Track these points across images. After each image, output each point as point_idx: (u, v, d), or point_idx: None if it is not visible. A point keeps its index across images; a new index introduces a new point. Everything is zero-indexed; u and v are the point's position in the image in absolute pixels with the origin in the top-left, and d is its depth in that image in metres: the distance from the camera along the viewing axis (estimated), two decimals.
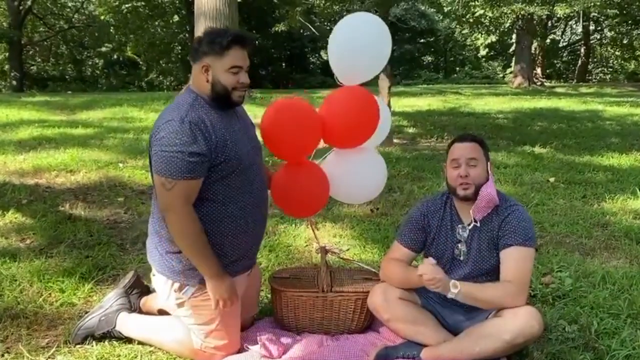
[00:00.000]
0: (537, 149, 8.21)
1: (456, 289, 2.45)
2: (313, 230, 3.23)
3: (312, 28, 18.95)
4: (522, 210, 2.66)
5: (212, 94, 2.47)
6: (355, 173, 3.06)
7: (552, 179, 6.21)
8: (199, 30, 10.59)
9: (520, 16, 21.53)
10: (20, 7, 27.11)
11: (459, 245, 2.71)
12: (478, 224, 2.66)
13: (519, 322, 2.38)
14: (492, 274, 2.63)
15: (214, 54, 2.44)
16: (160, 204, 2.42)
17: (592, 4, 18.78)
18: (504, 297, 2.47)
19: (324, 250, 3.04)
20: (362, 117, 2.91)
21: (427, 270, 2.46)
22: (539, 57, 29.74)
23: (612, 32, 33.14)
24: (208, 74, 2.46)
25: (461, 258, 2.69)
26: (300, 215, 3.43)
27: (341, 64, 2.96)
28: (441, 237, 2.76)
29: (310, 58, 37.39)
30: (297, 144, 2.83)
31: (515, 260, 2.52)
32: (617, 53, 36.23)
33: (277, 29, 15.85)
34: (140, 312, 2.94)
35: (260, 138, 2.79)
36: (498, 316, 2.49)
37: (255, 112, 8.33)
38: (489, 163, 2.70)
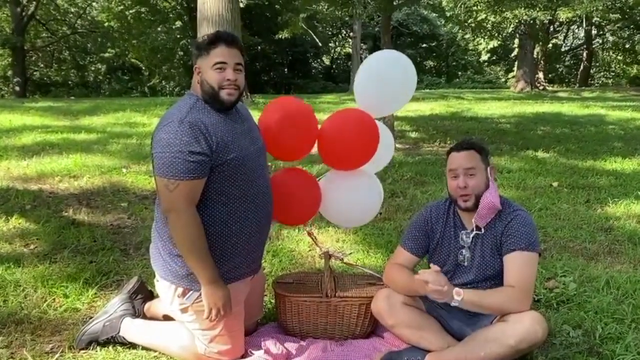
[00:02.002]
0: (540, 154, 8.21)
1: (459, 296, 2.43)
2: (313, 240, 3.23)
3: (314, 35, 18.99)
4: (525, 215, 2.66)
5: (203, 94, 2.48)
6: (348, 199, 3.11)
7: (555, 184, 6.20)
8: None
9: (522, 21, 21.54)
10: (23, 13, 27.18)
11: (463, 251, 2.71)
12: (482, 231, 2.66)
13: (523, 327, 2.37)
14: (496, 279, 2.63)
15: (202, 55, 2.48)
16: (163, 205, 2.42)
17: (595, 8, 18.77)
18: (507, 302, 2.47)
19: (327, 255, 3.04)
20: (361, 141, 2.96)
21: (432, 278, 2.43)
22: (541, 62, 29.72)
23: (614, 37, 33.13)
24: (199, 76, 2.49)
25: (465, 264, 2.69)
26: (290, 223, 3.44)
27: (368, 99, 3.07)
28: (445, 243, 2.76)
29: (313, 63, 37.47)
30: (291, 142, 2.90)
31: (518, 265, 2.52)
32: (619, 57, 36.21)
33: (280, 36, 15.87)
34: (144, 317, 2.94)
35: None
36: (502, 321, 2.49)
37: (257, 117, 8.32)
38: (489, 168, 2.69)
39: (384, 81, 3.04)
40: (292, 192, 2.94)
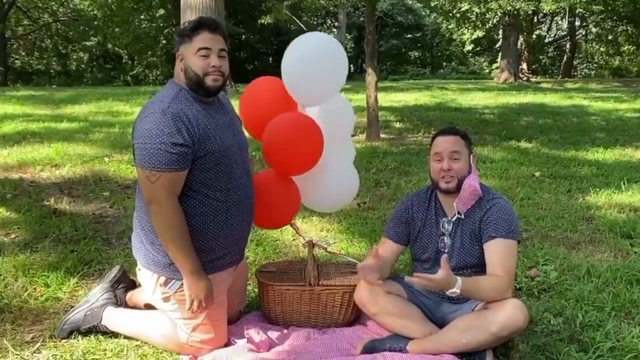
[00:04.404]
0: (523, 144, 8.26)
1: (457, 292, 2.37)
2: (296, 231, 3.23)
3: (299, 22, 18.90)
4: (504, 202, 2.67)
5: (187, 81, 2.46)
6: (325, 183, 3.09)
7: (537, 174, 6.25)
8: None
9: (506, 11, 21.60)
10: (4, 1, 26.77)
11: (444, 238, 2.72)
12: (462, 216, 2.68)
13: (504, 314, 2.39)
14: (476, 266, 2.65)
15: (184, 41, 2.45)
16: (145, 196, 2.40)
17: (578, 0, 18.86)
18: (497, 291, 2.46)
19: (311, 244, 3.04)
20: (304, 152, 2.91)
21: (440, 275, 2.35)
22: (525, 53, 29.83)
23: (597, 28, 33.29)
24: (182, 63, 2.46)
25: (445, 251, 2.71)
26: (265, 226, 3.37)
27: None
28: (426, 230, 2.78)
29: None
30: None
31: (501, 253, 2.53)
32: (602, 49, 36.41)
33: (263, 21, 15.73)
34: (126, 306, 2.92)
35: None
36: (484, 308, 2.51)
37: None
38: (472, 155, 2.71)
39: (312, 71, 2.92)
40: (271, 198, 2.93)
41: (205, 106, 2.50)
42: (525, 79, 26.85)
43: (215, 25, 2.46)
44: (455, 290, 2.35)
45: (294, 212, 3.13)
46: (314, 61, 2.89)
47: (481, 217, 2.62)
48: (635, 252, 3.94)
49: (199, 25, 2.44)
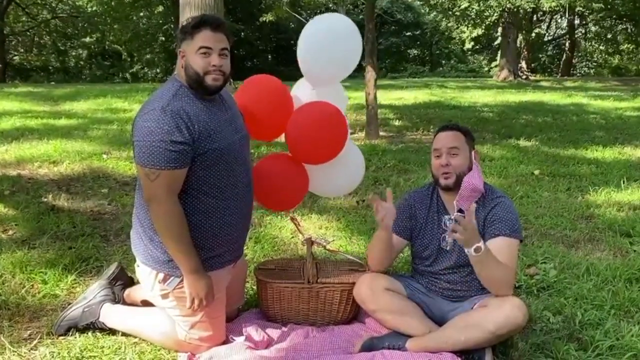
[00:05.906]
0: (522, 142, 8.25)
1: (481, 249, 2.37)
2: (296, 226, 3.22)
3: (300, 18, 18.87)
4: (508, 201, 2.67)
5: (187, 79, 2.44)
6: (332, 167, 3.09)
7: (536, 172, 6.24)
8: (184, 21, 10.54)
9: (506, 9, 21.60)
10: None
11: (445, 236, 2.71)
12: (464, 215, 2.66)
13: (504, 312, 2.38)
14: None
15: (186, 39, 2.44)
16: (145, 194, 2.39)
17: None
18: (504, 278, 2.45)
19: (309, 242, 3.03)
20: (330, 142, 2.96)
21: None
22: (524, 51, 29.84)
23: (597, 27, 33.31)
24: (184, 60, 2.45)
25: (447, 248, 2.70)
26: (276, 208, 3.42)
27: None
28: (428, 227, 2.77)
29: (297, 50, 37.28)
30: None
31: (504, 252, 2.52)
32: (601, 47, 36.44)
33: (264, 19, 15.70)
34: (124, 303, 2.91)
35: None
36: (483, 306, 2.50)
37: None
38: (473, 152, 2.70)
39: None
40: (280, 177, 2.95)
41: (207, 103, 2.48)
42: (524, 77, 26.88)
43: (217, 24, 2.44)
44: (480, 246, 2.35)
45: (301, 197, 3.15)
46: (331, 42, 2.95)
47: (485, 216, 2.62)
48: (635, 251, 3.94)
49: (201, 23, 2.42)
